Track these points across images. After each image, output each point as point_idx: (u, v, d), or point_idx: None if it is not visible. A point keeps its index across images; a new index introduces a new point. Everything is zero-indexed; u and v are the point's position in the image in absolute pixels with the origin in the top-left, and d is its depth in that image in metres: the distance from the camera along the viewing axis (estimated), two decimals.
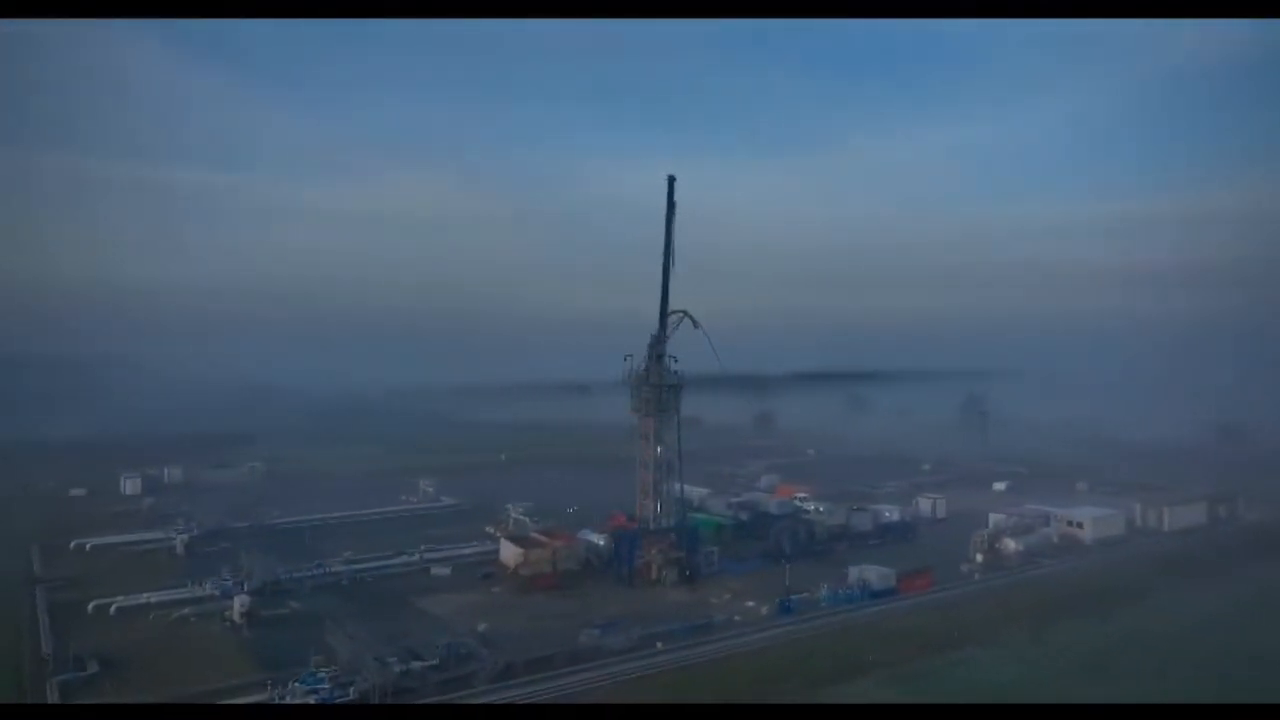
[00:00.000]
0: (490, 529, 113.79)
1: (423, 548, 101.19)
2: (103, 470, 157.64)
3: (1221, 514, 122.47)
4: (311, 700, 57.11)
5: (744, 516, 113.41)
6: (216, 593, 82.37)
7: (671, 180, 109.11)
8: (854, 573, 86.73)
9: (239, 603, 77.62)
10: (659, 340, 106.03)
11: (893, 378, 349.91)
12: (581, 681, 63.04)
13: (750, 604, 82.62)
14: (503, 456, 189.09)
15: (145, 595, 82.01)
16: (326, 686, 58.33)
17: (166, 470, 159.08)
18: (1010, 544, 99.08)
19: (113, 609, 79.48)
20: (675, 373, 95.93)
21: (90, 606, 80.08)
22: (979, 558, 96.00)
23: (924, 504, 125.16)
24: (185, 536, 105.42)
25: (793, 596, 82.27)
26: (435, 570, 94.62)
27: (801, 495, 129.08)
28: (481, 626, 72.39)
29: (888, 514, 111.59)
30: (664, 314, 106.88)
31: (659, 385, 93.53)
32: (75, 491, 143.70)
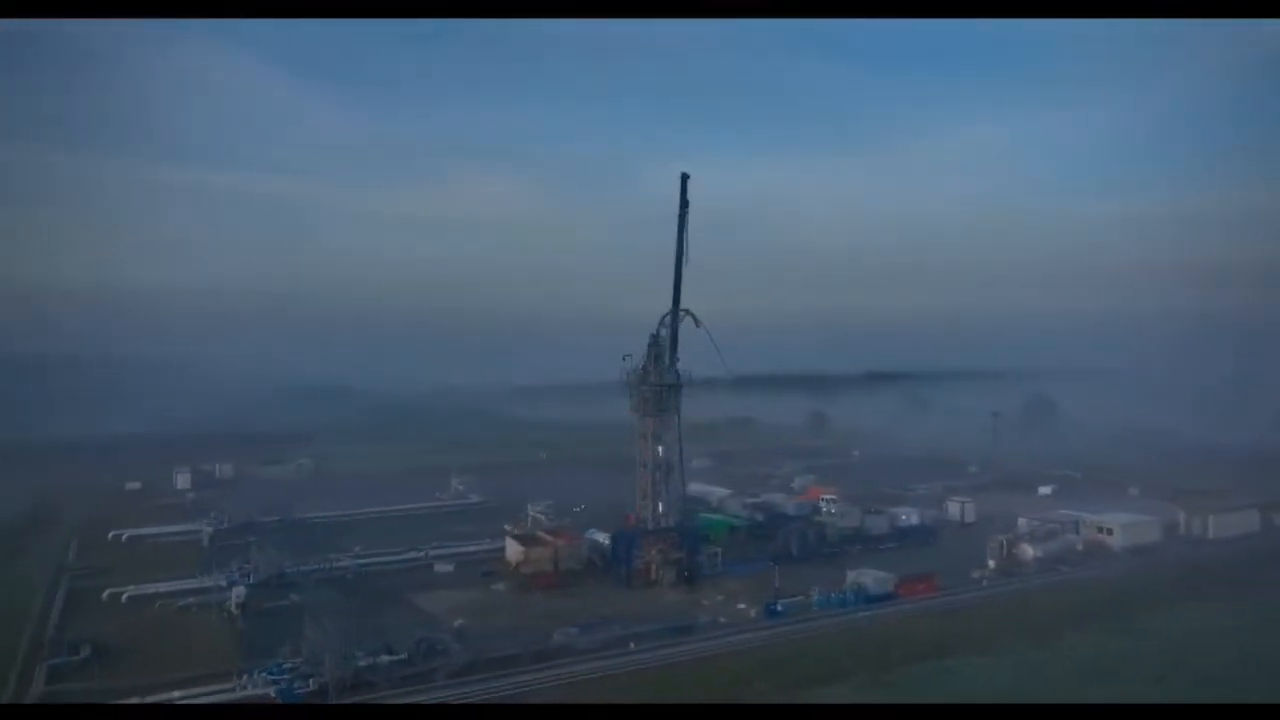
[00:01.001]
0: (507, 527, 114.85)
1: (433, 544, 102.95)
2: (162, 465, 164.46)
3: (1277, 523, 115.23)
4: (271, 692, 58.63)
5: (759, 517, 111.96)
6: (223, 584, 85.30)
7: (685, 178, 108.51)
8: (851, 576, 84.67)
9: (235, 594, 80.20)
10: (672, 340, 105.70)
11: (953, 377, 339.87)
12: (539, 679, 63.10)
13: (741, 606, 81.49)
14: (543, 455, 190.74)
15: (157, 585, 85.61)
16: (287, 678, 59.76)
17: (218, 466, 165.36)
18: (1028, 550, 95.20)
19: (124, 597, 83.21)
20: (676, 372, 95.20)
21: (105, 594, 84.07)
22: (992, 564, 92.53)
23: (952, 507, 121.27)
24: (210, 529, 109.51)
25: (782, 600, 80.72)
26: (439, 567, 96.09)
27: (828, 497, 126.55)
28: (458, 623, 73.04)
29: (904, 517, 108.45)
30: (675, 313, 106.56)
31: (658, 385, 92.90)
32: (130, 485, 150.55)
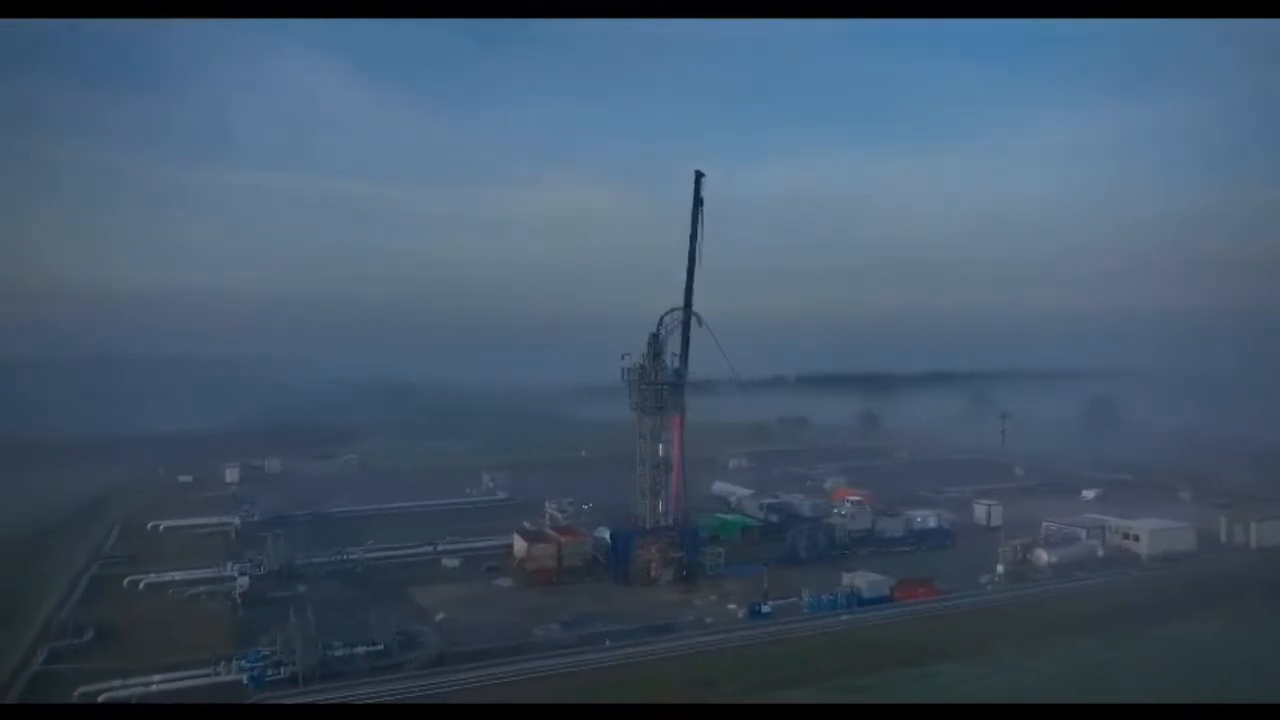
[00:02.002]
0: (526, 524, 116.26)
1: (447, 539, 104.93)
2: (220, 460, 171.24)
3: None
4: (244, 679, 60.80)
5: (774, 518, 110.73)
6: (235, 574, 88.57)
7: (699, 176, 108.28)
8: (846, 579, 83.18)
9: (239, 584, 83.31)
10: (684, 340, 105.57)
11: (1022, 377, 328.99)
12: (505, 674, 63.82)
13: (732, 607, 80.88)
14: (583, 453, 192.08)
15: (173, 574, 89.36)
16: (259, 665, 61.87)
17: (267, 461, 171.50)
18: (1042, 555, 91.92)
19: (141, 584, 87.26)
20: (677, 371, 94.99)
21: (125, 581, 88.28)
22: (1001, 569, 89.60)
23: (978, 510, 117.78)
24: (238, 521, 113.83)
25: (773, 601, 79.81)
26: (446, 562, 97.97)
27: (853, 498, 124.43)
28: (439, 616, 74.40)
29: (919, 520, 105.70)
30: (687, 309, 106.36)
31: (659, 383, 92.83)
32: (183, 478, 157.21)
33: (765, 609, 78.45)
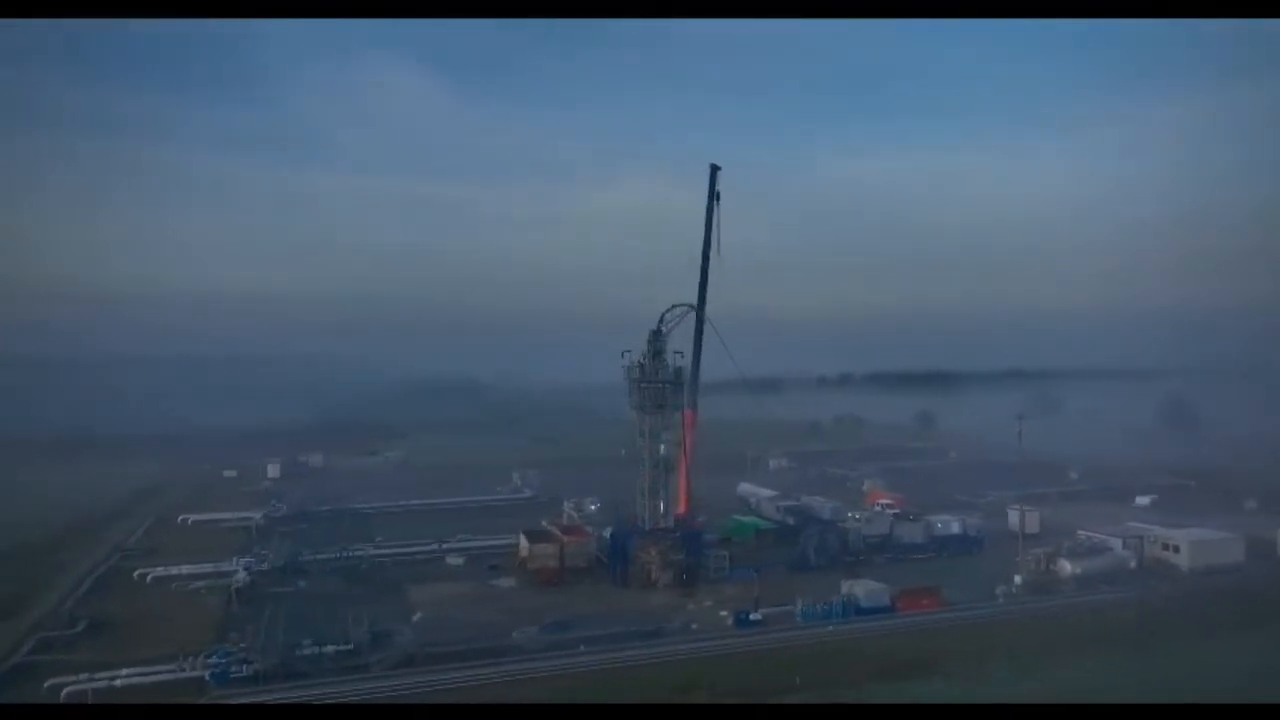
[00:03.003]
0: (545, 522, 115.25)
1: (458, 537, 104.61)
2: (272, 455, 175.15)
3: None
4: (206, 675, 60.89)
5: (790, 521, 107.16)
6: (239, 569, 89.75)
7: (714, 169, 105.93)
8: (845, 587, 79.51)
9: (236, 579, 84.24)
10: (697, 337, 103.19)
11: (1089, 376, 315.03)
12: (470, 678, 62.48)
13: (724, 613, 78.08)
14: (623, 453, 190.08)
15: (181, 567, 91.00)
16: (224, 662, 61.93)
17: (311, 456, 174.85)
18: (1066, 566, 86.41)
19: (149, 577, 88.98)
20: (678, 369, 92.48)
21: (135, 574, 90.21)
22: (1018, 579, 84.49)
23: (1012, 516, 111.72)
24: (258, 516, 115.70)
25: (765, 609, 76.74)
26: (450, 560, 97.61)
27: (884, 502, 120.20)
28: (417, 615, 73.64)
29: (940, 525, 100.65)
30: (700, 306, 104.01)
31: (658, 382, 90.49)
32: (228, 473, 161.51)
33: (755, 617, 75.47)
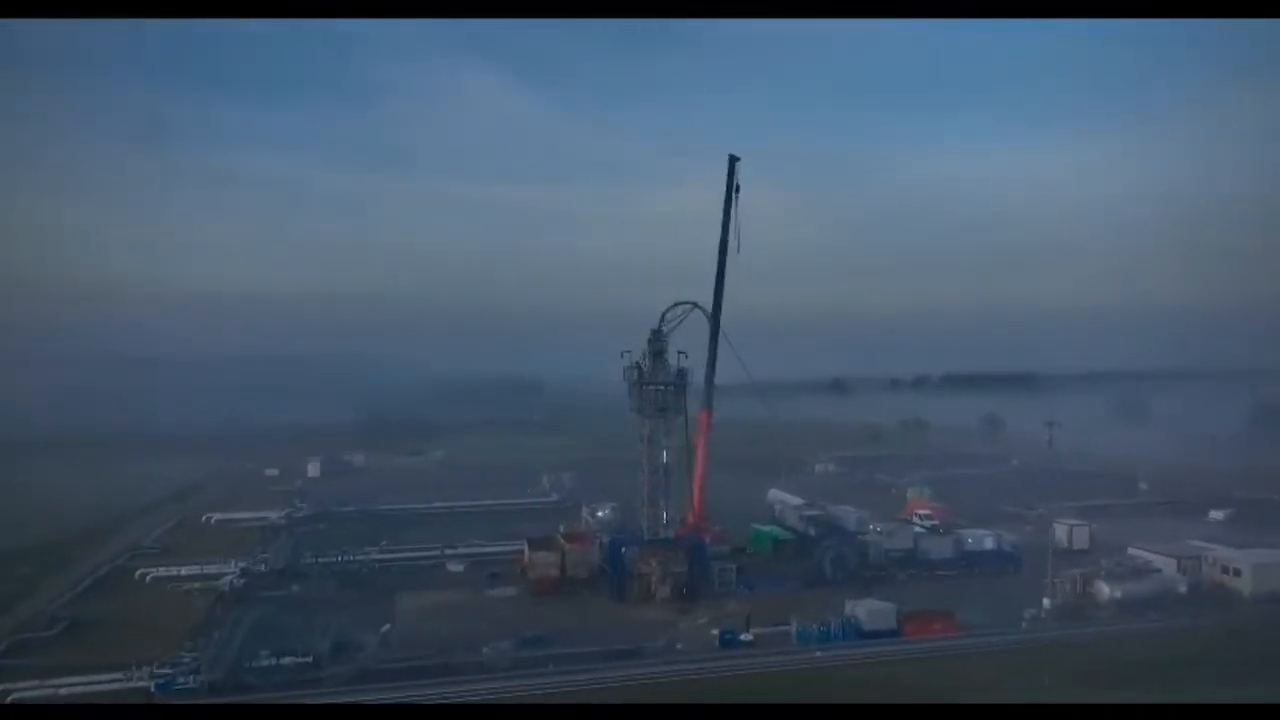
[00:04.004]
0: (562, 528, 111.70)
1: (468, 542, 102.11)
2: (320, 453, 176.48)
3: None
4: (152, 686, 59.01)
5: (811, 531, 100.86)
6: (235, 571, 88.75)
7: (733, 160, 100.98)
8: (848, 607, 73.37)
9: (224, 582, 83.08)
10: (713, 336, 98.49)
11: (1181, 378, 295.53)
12: (424, 696, 58.96)
13: (715, 633, 72.73)
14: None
15: (183, 568, 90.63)
16: (172, 673, 59.98)
17: (353, 456, 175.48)
18: (1104, 589, 78.22)
19: (149, 578, 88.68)
20: (682, 370, 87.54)
21: (138, 574, 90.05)
22: (1048, 603, 76.73)
23: (1059, 531, 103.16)
24: (274, 516, 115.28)
25: (758, 629, 71.34)
26: (451, 566, 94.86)
27: (923, 512, 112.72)
28: (385, 627, 70.63)
29: (970, 540, 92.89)
30: (718, 303, 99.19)
31: (660, 384, 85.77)
32: (270, 471, 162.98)
33: (746, 637, 70.15)
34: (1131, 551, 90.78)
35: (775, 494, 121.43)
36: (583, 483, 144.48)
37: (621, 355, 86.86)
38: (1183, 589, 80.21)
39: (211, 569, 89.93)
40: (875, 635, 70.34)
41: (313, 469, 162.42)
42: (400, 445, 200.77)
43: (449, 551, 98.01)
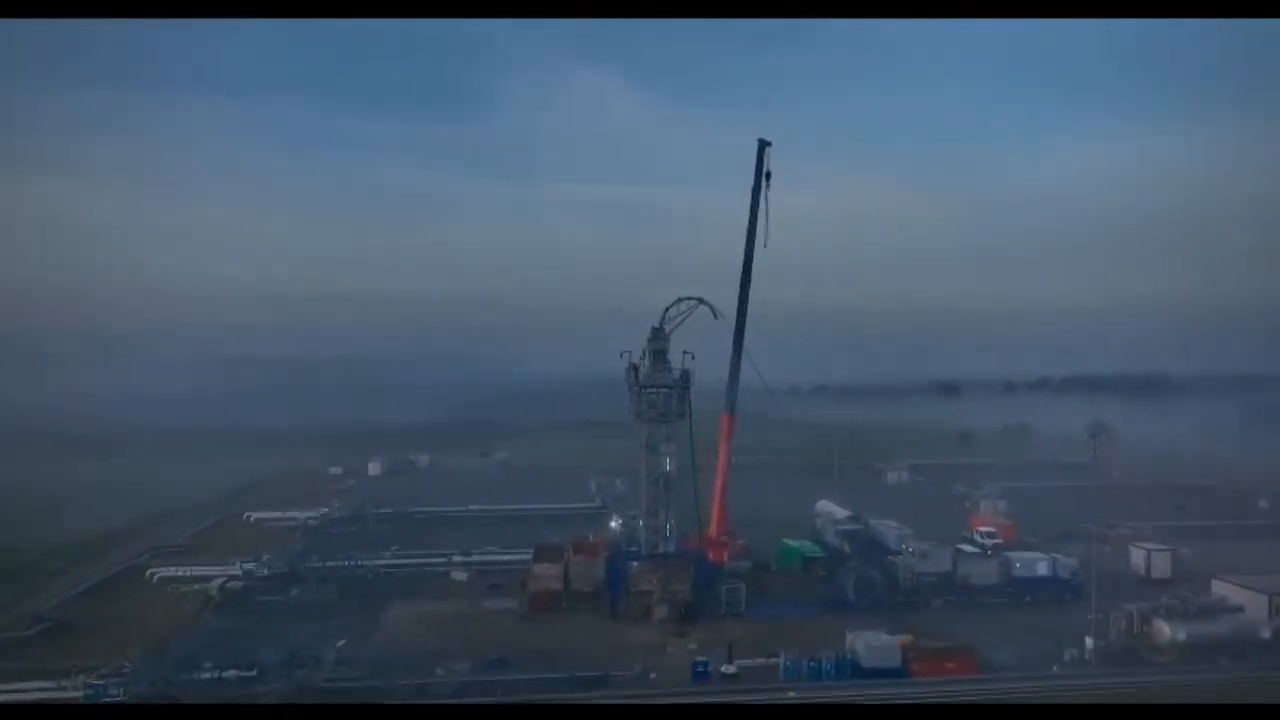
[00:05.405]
0: (590, 535, 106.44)
1: (486, 548, 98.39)
2: (388, 451, 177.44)
3: None
4: (79, 696, 57.00)
5: (846, 548, 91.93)
6: (238, 573, 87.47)
7: (763, 145, 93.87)
8: (849, 640, 64.89)
9: (213, 585, 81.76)
10: (737, 334, 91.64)
11: None
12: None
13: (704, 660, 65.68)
14: (734, 459, 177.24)
15: (190, 568, 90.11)
16: (102, 683, 57.82)
17: (418, 455, 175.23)
18: (1164, 629, 66.70)
19: (156, 578, 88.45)
20: (686, 372, 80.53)
21: (147, 573, 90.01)
22: (1091, 643, 65.89)
23: (1136, 556, 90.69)
24: (312, 516, 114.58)
25: (746, 660, 63.96)
26: (455, 575, 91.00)
27: (988, 529, 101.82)
28: (340, 642, 66.77)
29: (1019, 564, 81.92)
30: (743, 299, 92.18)
31: (660, 386, 79.20)
32: (333, 469, 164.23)
33: (727, 669, 62.92)
34: (1215, 584, 78.19)
35: (823, 505, 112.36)
36: (636, 489, 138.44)
37: (621, 355, 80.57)
38: (1267, 633, 67.67)
39: (216, 570, 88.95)
40: (875, 674, 61.74)
41: (374, 468, 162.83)
42: (475, 445, 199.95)
43: (459, 559, 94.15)
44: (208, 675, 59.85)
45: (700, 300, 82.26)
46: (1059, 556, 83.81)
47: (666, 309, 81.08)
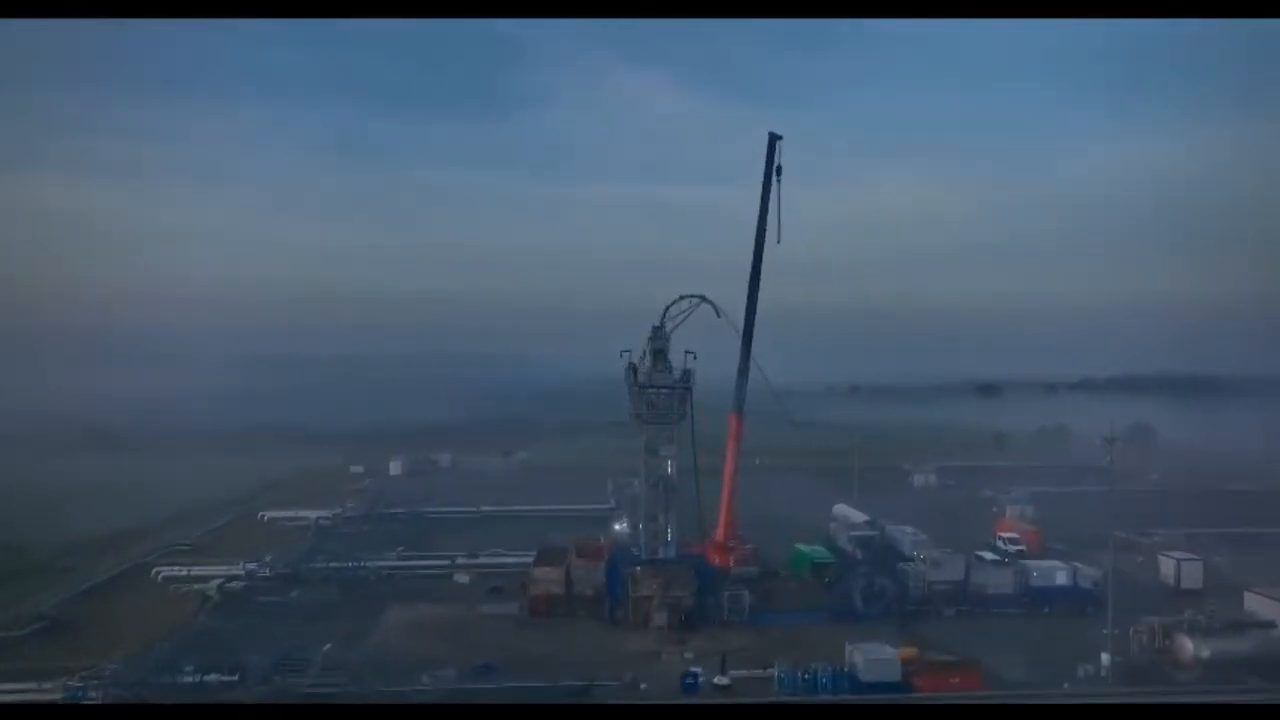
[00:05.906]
0: (601, 537, 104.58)
1: (491, 550, 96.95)
2: (414, 450, 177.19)
3: None
4: (58, 698, 56.43)
5: (858, 554, 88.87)
6: (240, 574, 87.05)
7: (774, 139, 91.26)
8: (848, 651, 62.13)
9: (210, 585, 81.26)
10: (746, 333, 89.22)
11: None
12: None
13: (695, 670, 63.42)
14: (757, 460, 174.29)
15: (193, 568, 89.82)
16: (81, 686, 57.21)
17: (440, 455, 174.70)
18: (1187, 646, 62.94)
19: (160, 577, 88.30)
20: (687, 372, 78.18)
21: (152, 573, 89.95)
22: (1106, 659, 62.39)
23: (1165, 565, 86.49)
24: (325, 516, 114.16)
25: (743, 671, 61.62)
26: (458, 578, 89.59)
27: (1011, 535, 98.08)
28: (326, 647, 65.51)
29: (1036, 573, 78.28)
30: (753, 296, 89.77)
31: (659, 386, 76.97)
32: (355, 469, 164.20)
33: (720, 681, 60.61)
34: (1248, 596, 74.01)
35: (840, 509, 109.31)
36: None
37: (620, 354, 78.48)
38: None
39: (218, 570, 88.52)
40: (874, 688, 58.92)
41: (395, 467, 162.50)
42: (499, 445, 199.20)
43: (463, 561, 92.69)
44: (189, 679, 58.95)
45: (702, 298, 79.76)
46: (1080, 565, 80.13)
47: (667, 307, 78.82)
